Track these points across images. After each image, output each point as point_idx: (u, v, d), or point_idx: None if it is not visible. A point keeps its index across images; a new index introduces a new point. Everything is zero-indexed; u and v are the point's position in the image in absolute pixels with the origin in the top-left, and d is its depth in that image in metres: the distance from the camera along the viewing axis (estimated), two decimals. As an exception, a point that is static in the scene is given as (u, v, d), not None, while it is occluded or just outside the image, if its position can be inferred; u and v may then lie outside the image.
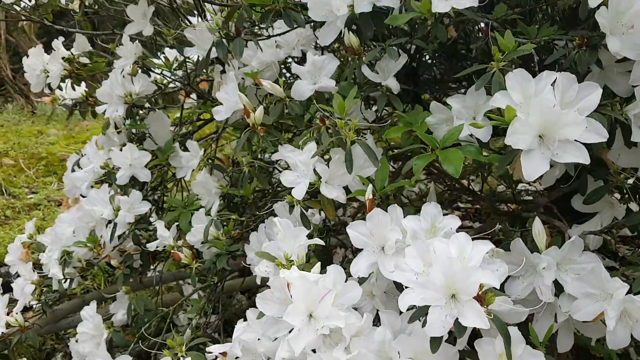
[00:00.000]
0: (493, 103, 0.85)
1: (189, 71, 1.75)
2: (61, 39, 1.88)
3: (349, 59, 1.18)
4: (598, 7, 0.92)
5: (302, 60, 1.38)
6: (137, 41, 1.62)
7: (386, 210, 0.93)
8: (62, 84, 1.88)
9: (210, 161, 1.63)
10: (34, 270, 1.60)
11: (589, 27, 1.02)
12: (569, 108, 0.82)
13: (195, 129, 2.01)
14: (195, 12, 1.91)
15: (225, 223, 1.42)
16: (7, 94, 5.29)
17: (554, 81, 0.84)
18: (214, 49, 1.31)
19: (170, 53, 1.83)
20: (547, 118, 0.80)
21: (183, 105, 1.91)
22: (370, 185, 0.98)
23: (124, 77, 1.64)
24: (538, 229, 0.95)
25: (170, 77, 1.77)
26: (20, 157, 3.60)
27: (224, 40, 1.26)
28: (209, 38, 1.45)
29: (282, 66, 1.59)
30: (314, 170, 1.05)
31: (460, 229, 0.88)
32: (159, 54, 1.86)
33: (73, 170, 1.80)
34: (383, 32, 1.18)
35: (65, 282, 1.58)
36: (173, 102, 2.32)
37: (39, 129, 4.28)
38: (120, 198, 1.49)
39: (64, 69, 1.87)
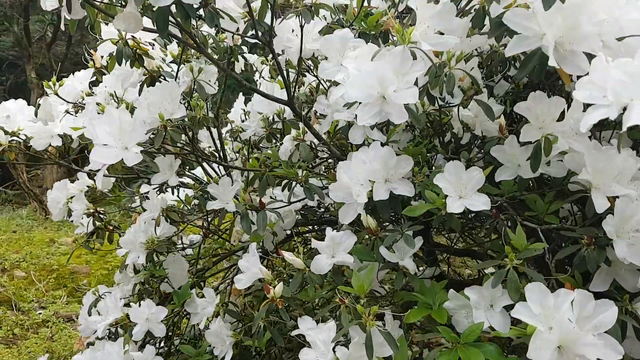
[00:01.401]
0: (514, 314, 0.89)
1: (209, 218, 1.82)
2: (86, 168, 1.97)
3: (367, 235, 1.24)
4: (605, 213, 0.98)
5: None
6: (161, 195, 1.70)
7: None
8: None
9: (224, 306, 1.66)
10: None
11: (597, 224, 1.08)
12: (586, 323, 0.85)
13: (210, 265, 2.06)
14: (216, 155, 2.03)
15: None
16: (22, 197, 5.42)
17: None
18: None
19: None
20: (568, 337, 0.83)
21: (201, 245, 1.97)
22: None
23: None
24: None
25: (188, 219, 1.84)
26: (32, 268, 3.64)
27: (248, 212, 1.33)
28: (230, 192, 1.54)
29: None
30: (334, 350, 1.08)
31: None
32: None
33: (89, 312, 1.82)
34: (400, 213, 1.25)
35: None
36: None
37: (51, 236, 4.35)
38: (134, 355, 1.51)
39: (87, 208, 1.95)
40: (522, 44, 0.91)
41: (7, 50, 8.29)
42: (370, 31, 1.36)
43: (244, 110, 2.08)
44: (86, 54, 1.81)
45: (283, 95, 1.67)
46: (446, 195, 1.08)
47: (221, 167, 1.88)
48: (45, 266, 3.70)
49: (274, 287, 1.21)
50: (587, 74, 0.87)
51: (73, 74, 1.82)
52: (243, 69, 2.07)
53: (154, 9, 1.08)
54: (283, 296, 1.22)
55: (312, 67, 1.52)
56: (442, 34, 1.00)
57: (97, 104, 1.66)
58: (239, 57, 1.81)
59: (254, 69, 2.16)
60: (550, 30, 0.87)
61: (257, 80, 2.14)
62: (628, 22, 0.92)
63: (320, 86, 1.62)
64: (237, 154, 2.24)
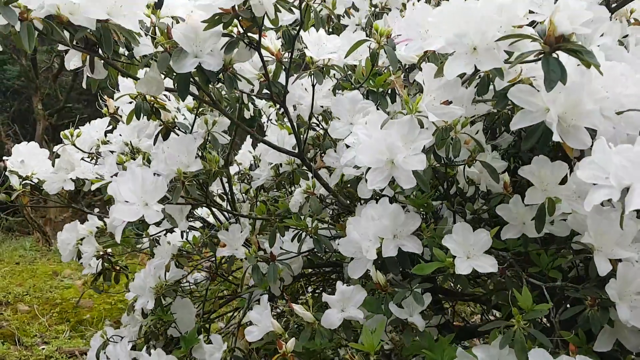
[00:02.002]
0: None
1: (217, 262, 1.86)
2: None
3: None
4: (607, 276, 1.01)
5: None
6: (169, 235, 1.74)
7: None
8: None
9: (231, 351, 1.69)
10: None
11: (600, 285, 1.11)
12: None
13: (216, 308, 2.08)
14: (226, 199, 2.07)
15: None
16: (24, 225, 5.45)
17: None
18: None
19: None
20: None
21: (208, 289, 2.00)
22: None
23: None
24: None
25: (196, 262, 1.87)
26: (35, 302, 3.65)
27: (259, 264, 1.36)
28: (239, 239, 1.58)
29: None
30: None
31: None
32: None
33: (97, 356, 1.84)
34: (409, 269, 1.28)
35: None
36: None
37: (54, 268, 4.37)
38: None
39: (97, 251, 1.98)
40: (526, 118, 0.96)
41: (13, 80, 8.41)
42: (379, 89, 1.42)
43: (253, 157, 2.13)
44: (100, 100, 1.87)
45: (292, 139, 1.72)
46: (454, 256, 1.11)
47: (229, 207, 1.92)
48: (48, 300, 3.71)
49: (285, 341, 1.23)
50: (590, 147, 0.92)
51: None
52: (252, 114, 2.12)
53: (175, 73, 1.14)
54: (295, 350, 1.24)
55: (320, 120, 1.57)
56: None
57: (112, 151, 1.71)
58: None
59: (262, 112, 2.22)
60: (553, 107, 0.91)
61: (265, 123, 2.19)
62: (628, 97, 0.97)
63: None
64: (244, 195, 2.28)
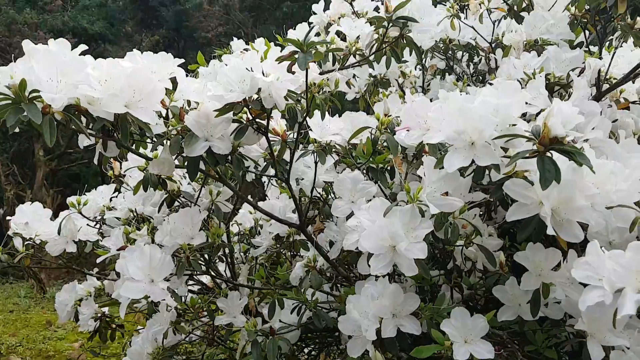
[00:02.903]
0: None
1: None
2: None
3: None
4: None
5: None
6: (172, 309, 1.75)
7: None
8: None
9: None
10: None
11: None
12: None
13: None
14: (225, 261, 2.09)
15: None
16: (20, 272, 5.42)
17: None
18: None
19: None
20: None
21: (204, 353, 2.00)
22: None
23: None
24: None
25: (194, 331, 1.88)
26: (28, 354, 3.60)
27: (258, 338, 1.38)
28: (238, 306, 1.60)
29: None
30: None
31: None
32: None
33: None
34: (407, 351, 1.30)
35: None
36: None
37: (49, 317, 4.32)
38: None
39: (95, 312, 1.99)
40: (521, 210, 1.01)
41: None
42: (379, 166, 1.47)
43: (254, 219, 2.17)
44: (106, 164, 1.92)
45: (291, 204, 1.76)
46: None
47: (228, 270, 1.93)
48: (41, 351, 3.67)
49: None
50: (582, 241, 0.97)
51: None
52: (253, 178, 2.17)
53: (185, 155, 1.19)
54: None
55: (321, 193, 1.62)
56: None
57: (117, 218, 1.75)
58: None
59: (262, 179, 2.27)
60: (547, 202, 0.96)
61: (265, 182, 2.23)
62: (617, 193, 1.02)
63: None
64: (243, 254, 2.30)
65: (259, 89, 1.15)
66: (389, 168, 1.48)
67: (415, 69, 2.39)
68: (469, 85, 2.28)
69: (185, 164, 1.21)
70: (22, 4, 10.73)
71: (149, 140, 1.29)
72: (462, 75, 2.41)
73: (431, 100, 2.31)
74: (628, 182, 1.03)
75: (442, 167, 1.04)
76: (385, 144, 1.45)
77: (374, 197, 1.33)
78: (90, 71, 1.03)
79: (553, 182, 0.95)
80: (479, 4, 1.99)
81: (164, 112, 1.22)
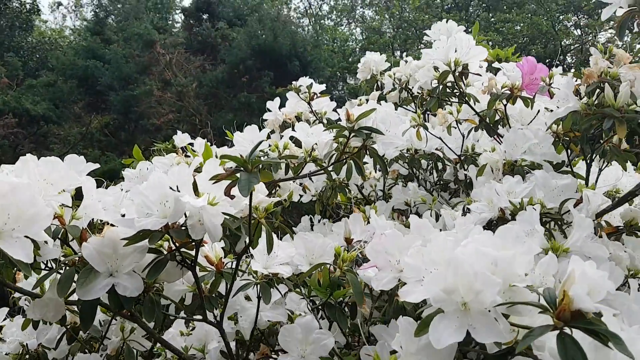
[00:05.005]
0: None
1: None
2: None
3: None
4: None
5: None
6: None
7: None
8: None
9: None
10: None
11: None
12: None
13: None
14: None
15: None
16: None
17: None
18: None
19: None
20: None
21: None
22: None
23: None
24: None
25: None
26: None
27: None
28: None
29: None
30: None
31: None
32: None
33: None
34: None
35: None
36: None
37: None
38: None
39: None
40: None
41: None
42: (337, 301, 1.19)
43: None
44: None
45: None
46: None
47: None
48: None
49: None
50: None
51: None
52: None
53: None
54: None
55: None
56: None
57: (6, 354, 1.37)
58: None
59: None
60: None
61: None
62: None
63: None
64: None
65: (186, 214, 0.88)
66: (350, 304, 1.20)
67: (376, 171, 2.19)
68: (432, 193, 2.09)
69: (79, 307, 0.90)
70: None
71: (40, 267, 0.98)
72: (424, 182, 2.22)
73: (393, 210, 2.15)
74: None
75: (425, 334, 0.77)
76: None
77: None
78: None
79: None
80: (448, 114, 1.83)
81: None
